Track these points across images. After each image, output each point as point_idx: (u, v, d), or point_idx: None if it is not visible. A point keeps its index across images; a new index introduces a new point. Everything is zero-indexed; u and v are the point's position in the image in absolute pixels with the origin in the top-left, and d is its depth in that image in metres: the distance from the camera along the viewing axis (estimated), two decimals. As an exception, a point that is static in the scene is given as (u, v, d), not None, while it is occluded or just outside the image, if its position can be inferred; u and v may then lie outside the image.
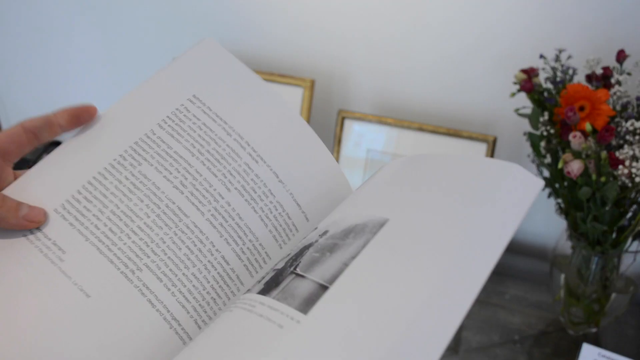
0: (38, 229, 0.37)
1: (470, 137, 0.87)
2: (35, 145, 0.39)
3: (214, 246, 0.39)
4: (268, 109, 0.44)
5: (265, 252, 0.41)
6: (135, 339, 0.36)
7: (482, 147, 0.86)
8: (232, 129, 0.42)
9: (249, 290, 0.37)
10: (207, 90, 0.43)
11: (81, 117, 0.40)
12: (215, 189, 0.40)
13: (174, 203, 0.39)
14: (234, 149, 0.41)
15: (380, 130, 0.91)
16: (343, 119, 0.92)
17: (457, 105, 0.92)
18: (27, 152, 0.39)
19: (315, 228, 0.41)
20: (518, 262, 0.93)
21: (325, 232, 0.37)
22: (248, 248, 0.40)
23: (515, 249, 0.98)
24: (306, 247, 0.37)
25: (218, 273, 0.39)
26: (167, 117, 0.41)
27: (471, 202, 0.35)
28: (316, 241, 0.37)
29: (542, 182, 0.35)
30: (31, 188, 0.39)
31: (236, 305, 0.35)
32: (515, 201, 0.34)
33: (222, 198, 0.40)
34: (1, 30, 1.19)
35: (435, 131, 0.89)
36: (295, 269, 0.35)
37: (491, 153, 0.85)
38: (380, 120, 0.90)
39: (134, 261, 0.37)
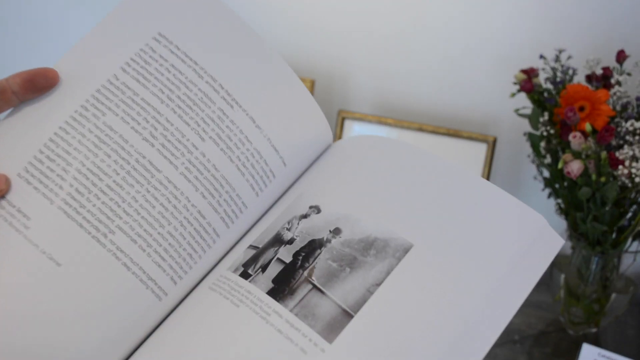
0: (1, 197, 0.34)
1: (470, 137, 0.87)
2: None
3: (189, 201, 0.36)
4: (242, 47, 0.40)
5: (242, 202, 0.39)
6: (111, 303, 0.34)
7: (482, 147, 0.86)
8: (203, 70, 0.38)
9: (252, 280, 0.35)
10: (173, 27, 0.38)
11: (37, 83, 0.35)
12: (188, 139, 0.37)
13: (144, 157, 0.36)
14: (206, 93, 0.38)
15: (380, 131, 0.91)
16: (343, 119, 0.92)
17: (457, 105, 0.92)
18: None
19: (302, 193, 0.39)
20: (518, 262, 0.93)
21: (338, 231, 0.36)
22: (225, 200, 0.38)
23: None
24: (316, 245, 0.36)
25: (194, 228, 0.37)
26: (131, 59, 0.37)
27: (496, 246, 0.35)
28: (328, 241, 0.36)
29: (562, 241, 0.36)
30: None
31: (243, 303, 0.34)
32: (538, 260, 0.35)
33: (196, 149, 0.37)
34: (2, 29, 1.19)
35: (435, 131, 0.89)
36: (310, 275, 0.34)
37: (491, 153, 0.85)
38: (380, 120, 0.90)
39: (105, 224, 0.34)
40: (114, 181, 0.35)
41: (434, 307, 0.32)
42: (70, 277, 0.34)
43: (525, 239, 0.35)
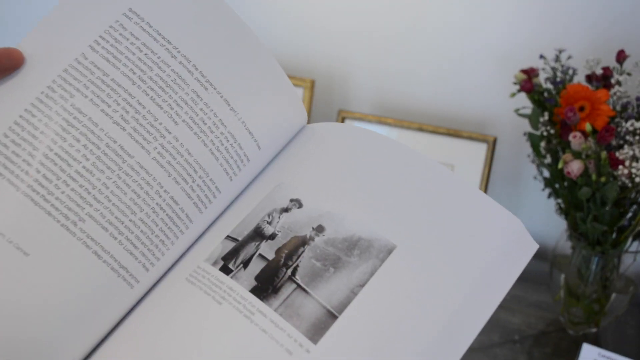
0: None
1: (470, 137, 0.87)
2: None
3: (161, 187, 0.35)
4: (217, 26, 0.38)
5: (216, 187, 0.38)
6: (81, 291, 0.34)
7: (482, 147, 0.86)
8: (176, 49, 0.36)
9: (234, 276, 0.35)
10: (145, 2, 0.36)
11: (0, 64, 0.33)
12: (161, 123, 0.35)
13: (115, 142, 0.34)
14: (180, 74, 0.36)
15: (380, 131, 0.91)
16: (343, 119, 0.92)
17: (457, 105, 0.92)
18: None
19: (281, 183, 0.39)
20: (518, 262, 0.93)
21: (321, 228, 0.36)
22: (198, 185, 0.37)
23: (515, 249, 0.98)
24: (299, 241, 0.36)
25: (167, 215, 0.36)
26: (100, 37, 0.35)
27: (475, 248, 0.35)
28: (312, 239, 0.36)
29: (536, 246, 0.37)
30: None
31: (226, 300, 0.34)
32: (514, 262, 0.36)
33: (169, 133, 0.36)
34: (2, 29, 1.19)
35: (435, 131, 0.89)
36: (294, 274, 0.34)
37: (491, 153, 0.85)
38: (380, 120, 0.90)
39: (75, 211, 0.33)
40: (84, 167, 0.34)
41: (415, 307, 0.33)
42: (39, 267, 0.33)
43: (503, 241, 0.36)
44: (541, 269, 0.89)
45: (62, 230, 0.33)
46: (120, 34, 0.35)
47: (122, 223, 0.34)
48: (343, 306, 0.32)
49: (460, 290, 0.33)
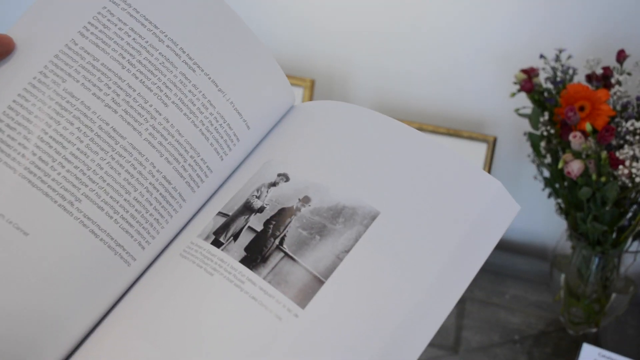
0: None
1: (470, 137, 0.87)
2: None
3: (154, 167, 0.37)
4: (201, 8, 0.39)
5: (207, 166, 0.39)
6: (80, 270, 0.35)
7: (482, 147, 0.86)
8: (164, 34, 0.37)
9: (224, 249, 0.36)
10: None
11: None
12: (151, 105, 0.36)
13: (107, 124, 0.35)
14: (168, 57, 0.37)
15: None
16: (343, 119, 0.92)
17: (457, 105, 0.92)
18: None
19: (270, 160, 0.40)
20: (518, 262, 0.93)
21: (307, 199, 0.37)
22: (189, 164, 0.38)
23: (515, 249, 0.98)
24: (286, 213, 0.37)
25: (160, 194, 0.37)
26: (89, 23, 0.36)
27: (457, 210, 0.36)
28: (298, 209, 0.37)
29: (518, 207, 0.37)
30: None
31: (217, 271, 0.35)
32: (496, 224, 0.36)
33: (160, 114, 0.37)
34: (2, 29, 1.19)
35: (435, 131, 0.89)
36: (282, 243, 0.35)
37: (491, 153, 0.85)
38: (380, 120, 0.90)
39: (71, 192, 0.34)
40: (78, 149, 0.35)
41: (400, 270, 0.34)
42: (38, 246, 0.34)
43: (484, 203, 0.36)
44: (541, 269, 0.89)
45: (59, 210, 0.34)
46: (108, 20, 0.36)
47: (117, 202, 0.36)
48: (329, 271, 0.33)
49: (444, 253, 0.34)
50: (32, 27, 0.36)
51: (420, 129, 0.88)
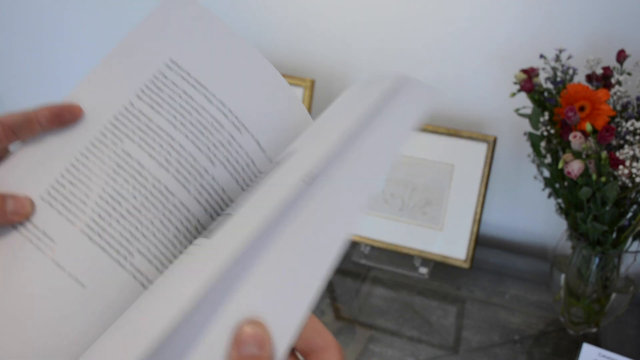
0: (27, 219, 0.36)
1: (470, 137, 0.87)
2: (12, 142, 0.37)
3: (199, 223, 0.38)
4: (248, 70, 0.40)
5: None
6: (121, 313, 0.36)
7: (482, 147, 0.86)
8: (213, 96, 0.39)
9: None
10: (184, 53, 0.39)
11: (63, 117, 0.37)
12: (200, 164, 0.38)
13: (160, 182, 0.37)
14: (217, 118, 0.39)
15: (380, 130, 0.90)
16: (343, 119, 0.92)
17: (457, 105, 0.92)
18: (3, 148, 0.37)
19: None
20: (518, 262, 0.93)
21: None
22: None
23: (515, 249, 0.98)
24: None
25: None
26: (145, 86, 0.38)
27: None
28: None
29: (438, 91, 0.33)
30: (13, 176, 0.37)
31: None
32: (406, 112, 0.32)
33: (207, 173, 0.38)
34: (1, 29, 1.19)
35: (435, 131, 0.89)
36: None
37: (491, 153, 0.85)
38: (380, 120, 0.90)
39: (125, 247, 0.36)
40: (133, 206, 0.37)
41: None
42: (93, 299, 0.35)
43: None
44: (541, 269, 0.89)
45: (114, 265, 0.36)
46: (163, 83, 0.38)
47: (165, 256, 0.37)
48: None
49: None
50: (94, 89, 0.38)
51: (420, 129, 0.88)
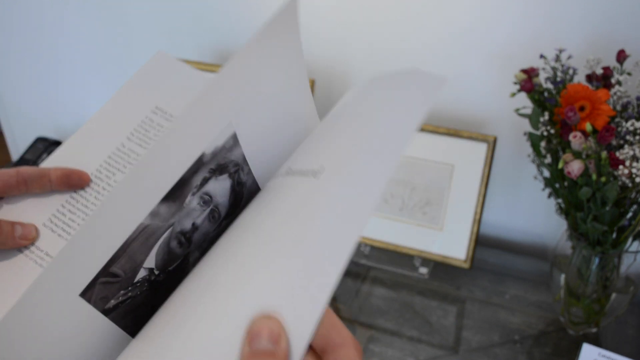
0: (32, 244, 0.40)
1: (470, 137, 0.87)
2: (22, 193, 0.41)
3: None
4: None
5: None
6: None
7: (482, 147, 0.86)
8: None
9: None
10: (167, 100, 0.45)
11: (71, 179, 0.41)
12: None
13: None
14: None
15: (380, 130, 0.91)
16: (343, 119, 0.92)
17: (457, 105, 0.92)
18: (12, 195, 0.41)
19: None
20: (518, 262, 0.93)
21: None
22: None
23: (515, 249, 0.98)
24: None
25: None
26: (134, 129, 0.44)
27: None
28: None
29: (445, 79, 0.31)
30: (20, 206, 0.41)
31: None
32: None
33: None
34: (1, 29, 1.19)
35: (435, 131, 0.89)
36: None
37: (491, 153, 0.85)
38: (380, 120, 0.90)
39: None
40: None
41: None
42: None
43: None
44: (541, 269, 0.89)
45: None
46: (149, 125, 0.44)
47: None
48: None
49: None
50: (92, 134, 0.44)
51: (420, 129, 0.88)
